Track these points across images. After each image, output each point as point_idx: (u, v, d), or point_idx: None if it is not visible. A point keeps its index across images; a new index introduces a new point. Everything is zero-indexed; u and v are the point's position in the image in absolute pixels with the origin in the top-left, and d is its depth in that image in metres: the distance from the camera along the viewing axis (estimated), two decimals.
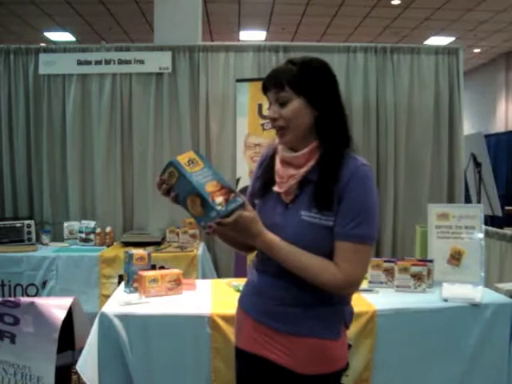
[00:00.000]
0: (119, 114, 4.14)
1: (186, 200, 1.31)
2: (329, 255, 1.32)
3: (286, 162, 1.39)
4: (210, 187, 1.29)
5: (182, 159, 1.34)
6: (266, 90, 1.39)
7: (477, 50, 9.99)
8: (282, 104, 1.34)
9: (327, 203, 1.31)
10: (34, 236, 3.83)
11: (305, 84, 1.32)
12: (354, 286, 1.34)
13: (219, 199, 1.27)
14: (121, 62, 4.12)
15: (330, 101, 1.36)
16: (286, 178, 1.37)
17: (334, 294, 1.36)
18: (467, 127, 6.62)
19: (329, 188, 1.31)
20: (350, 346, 2.05)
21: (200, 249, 3.71)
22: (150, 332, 2.00)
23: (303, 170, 1.35)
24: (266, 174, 1.46)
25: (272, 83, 1.35)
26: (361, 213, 1.30)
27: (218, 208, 1.26)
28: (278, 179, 1.40)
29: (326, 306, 1.37)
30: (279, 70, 1.36)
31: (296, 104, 1.33)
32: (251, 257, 4.06)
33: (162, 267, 3.29)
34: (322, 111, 1.34)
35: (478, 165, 4.73)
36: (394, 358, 2.08)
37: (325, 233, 1.32)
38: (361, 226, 1.30)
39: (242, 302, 1.52)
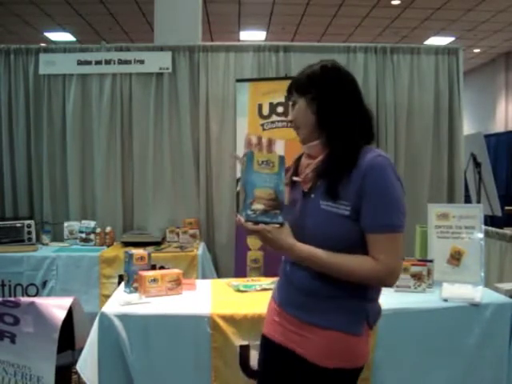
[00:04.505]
0: (119, 114, 4.15)
1: (240, 188, 1.38)
2: (345, 243, 1.36)
3: (307, 155, 1.51)
4: (261, 192, 1.33)
5: (259, 156, 1.36)
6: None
7: (477, 50, 10.00)
8: (293, 107, 1.50)
9: (334, 193, 1.36)
10: (34, 236, 3.84)
11: (305, 85, 1.45)
12: (394, 275, 1.36)
13: (258, 206, 1.32)
14: (121, 62, 4.12)
15: (329, 100, 1.42)
16: (304, 167, 1.48)
17: (367, 286, 1.40)
18: (467, 127, 6.62)
19: (335, 179, 1.37)
20: None
21: (200, 249, 3.71)
22: (150, 332, 2.00)
23: (318, 159, 1.43)
24: (293, 170, 1.55)
25: (287, 93, 1.52)
26: (384, 203, 1.34)
27: (249, 212, 1.32)
28: (300, 171, 1.51)
29: (349, 298, 1.40)
30: (291, 81, 1.51)
31: (300, 104, 1.46)
32: (251, 257, 4.07)
33: (162, 267, 3.30)
34: (321, 109, 1.43)
35: (477, 165, 4.71)
36: (394, 357, 2.08)
37: (340, 221, 1.36)
38: (387, 215, 1.35)
39: (274, 293, 1.60)
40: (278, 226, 1.35)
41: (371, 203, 1.34)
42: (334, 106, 1.42)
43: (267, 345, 1.57)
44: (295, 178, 1.48)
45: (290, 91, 1.50)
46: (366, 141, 1.45)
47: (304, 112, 1.45)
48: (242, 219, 1.34)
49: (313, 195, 1.43)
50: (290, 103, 1.51)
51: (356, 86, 1.48)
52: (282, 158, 1.38)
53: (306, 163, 1.48)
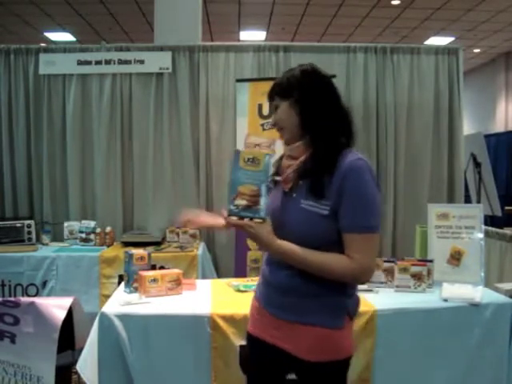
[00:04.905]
0: (119, 114, 4.14)
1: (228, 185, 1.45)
2: (323, 241, 1.42)
3: (288, 156, 1.54)
4: (245, 189, 1.40)
5: (246, 154, 1.42)
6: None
7: (477, 50, 10.00)
8: (275, 110, 1.54)
9: (317, 192, 1.41)
10: (34, 236, 3.84)
11: (287, 89, 1.50)
12: (368, 274, 1.44)
13: (241, 201, 1.39)
14: (121, 62, 4.12)
15: (312, 102, 1.47)
16: (285, 168, 1.52)
17: (344, 283, 1.44)
18: (467, 127, 6.62)
19: (318, 179, 1.42)
20: None
21: (200, 249, 3.71)
22: (150, 332, 2.00)
23: (300, 160, 1.48)
24: (275, 170, 1.59)
25: (268, 98, 1.57)
26: (362, 205, 1.38)
27: (231, 207, 1.40)
28: (281, 171, 1.55)
29: (329, 296, 1.45)
30: (271, 86, 1.56)
31: (283, 107, 1.51)
32: (251, 257, 4.07)
33: (162, 267, 3.30)
34: (304, 111, 1.47)
35: (477, 165, 4.72)
36: (394, 357, 2.08)
37: (318, 220, 1.41)
38: (363, 216, 1.38)
39: (256, 291, 1.66)
40: (260, 221, 1.40)
41: (350, 204, 1.38)
42: (316, 108, 1.47)
43: (254, 343, 1.61)
44: (276, 178, 1.54)
45: (271, 96, 1.55)
46: (347, 143, 1.48)
47: (287, 115, 1.50)
48: (225, 213, 1.41)
49: (294, 195, 1.48)
50: (273, 107, 1.56)
51: (335, 87, 1.53)
52: (268, 156, 1.43)
53: (288, 164, 1.51)
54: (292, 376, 1.56)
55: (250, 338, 1.63)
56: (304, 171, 1.46)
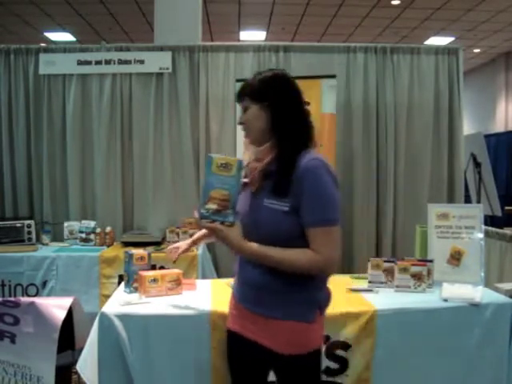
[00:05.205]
0: (119, 114, 4.15)
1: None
2: (288, 236, 1.50)
3: (255, 159, 1.61)
4: (216, 193, 1.47)
5: (219, 159, 1.48)
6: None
7: (477, 50, 10.00)
8: (245, 111, 1.61)
9: (280, 192, 1.50)
10: (34, 236, 3.84)
11: (259, 93, 1.57)
12: (333, 265, 1.52)
13: (211, 206, 1.47)
14: (121, 62, 4.12)
15: (283, 107, 1.55)
16: (252, 170, 1.60)
17: (313, 278, 1.54)
18: (467, 127, 6.61)
19: (280, 179, 1.50)
20: (349, 346, 2.06)
21: (200, 249, 3.70)
22: (150, 332, 2.00)
23: (264, 162, 1.57)
24: (244, 174, 1.65)
25: (237, 97, 1.65)
26: (320, 203, 1.48)
27: (202, 211, 1.47)
28: (249, 173, 1.63)
29: (299, 291, 1.53)
30: (242, 86, 1.63)
31: (253, 109, 1.58)
32: None
33: (162, 267, 3.29)
34: (275, 115, 1.55)
35: (477, 165, 4.72)
36: (394, 357, 2.08)
37: (281, 217, 1.50)
38: (322, 212, 1.48)
39: (233, 289, 1.75)
40: (229, 224, 1.48)
41: (309, 203, 1.47)
42: (287, 113, 1.55)
43: (233, 338, 1.69)
44: (244, 180, 1.60)
45: (241, 96, 1.61)
46: (307, 144, 1.56)
47: (258, 117, 1.57)
48: (197, 216, 1.49)
49: (260, 195, 1.56)
50: (241, 107, 1.62)
51: (301, 92, 1.61)
52: (240, 162, 1.50)
53: (255, 166, 1.59)
54: (272, 378, 1.62)
55: (230, 333, 1.71)
56: (268, 172, 1.54)
